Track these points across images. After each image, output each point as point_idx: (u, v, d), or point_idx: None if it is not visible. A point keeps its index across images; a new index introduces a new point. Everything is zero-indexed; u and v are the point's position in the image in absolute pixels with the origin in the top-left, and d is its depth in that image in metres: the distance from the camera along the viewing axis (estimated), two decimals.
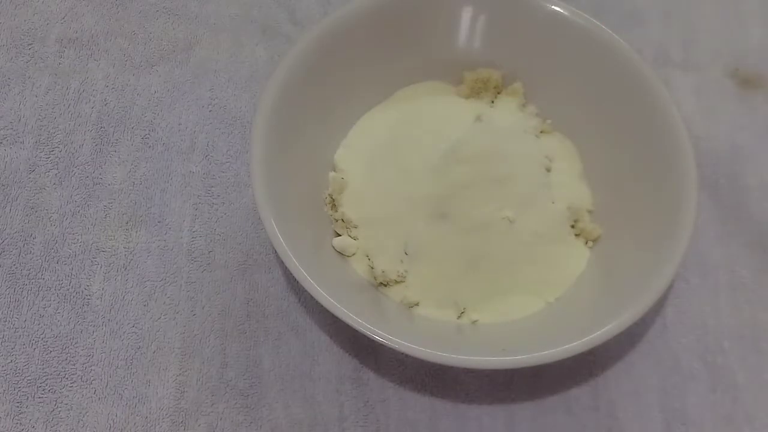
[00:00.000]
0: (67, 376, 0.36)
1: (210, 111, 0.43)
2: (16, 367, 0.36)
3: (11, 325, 0.37)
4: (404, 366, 0.37)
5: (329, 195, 0.38)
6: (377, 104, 0.41)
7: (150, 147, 0.42)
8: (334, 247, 0.37)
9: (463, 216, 0.36)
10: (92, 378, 0.36)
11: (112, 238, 0.39)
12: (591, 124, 0.40)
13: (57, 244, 0.39)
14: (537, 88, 0.41)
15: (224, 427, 0.35)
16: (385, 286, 0.37)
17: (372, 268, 0.37)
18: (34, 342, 0.36)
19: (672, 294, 0.39)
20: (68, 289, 0.38)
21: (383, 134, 0.40)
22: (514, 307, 0.36)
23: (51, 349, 0.36)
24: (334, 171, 0.39)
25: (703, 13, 0.48)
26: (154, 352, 0.37)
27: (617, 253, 0.37)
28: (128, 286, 0.38)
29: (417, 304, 0.36)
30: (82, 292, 0.38)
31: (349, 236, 0.38)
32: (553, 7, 0.40)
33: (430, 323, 0.36)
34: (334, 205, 0.38)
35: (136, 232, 0.39)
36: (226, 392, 0.36)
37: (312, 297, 0.32)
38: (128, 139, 0.42)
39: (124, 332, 0.37)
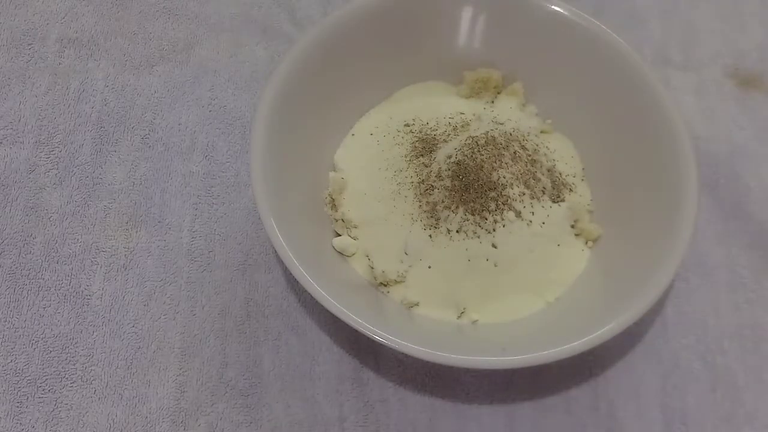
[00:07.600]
0: (67, 376, 0.36)
1: (210, 111, 0.43)
2: (16, 367, 0.36)
3: (11, 325, 0.37)
4: (404, 366, 0.37)
5: (329, 195, 0.38)
6: (377, 104, 0.41)
7: (150, 147, 0.42)
8: (334, 247, 0.37)
9: (463, 216, 0.36)
10: (92, 378, 0.36)
11: (112, 238, 0.39)
12: (591, 124, 0.40)
13: (57, 244, 0.39)
14: (537, 88, 0.41)
15: (224, 427, 0.35)
16: (385, 286, 0.37)
17: (372, 268, 0.37)
18: (34, 342, 0.36)
19: (672, 294, 0.39)
20: (68, 289, 0.38)
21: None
22: (514, 307, 0.36)
23: (51, 349, 0.36)
24: (334, 171, 0.39)
25: (703, 13, 0.48)
26: (154, 352, 0.37)
27: (617, 253, 0.37)
28: (128, 286, 0.38)
29: (417, 304, 0.36)
30: (82, 292, 0.38)
31: (349, 236, 0.38)
32: (553, 7, 0.40)
33: (430, 323, 0.36)
34: (334, 205, 0.38)
35: (136, 232, 0.39)
36: (226, 392, 0.36)
37: (312, 297, 0.32)
38: (128, 139, 0.42)
39: (124, 332, 0.37)
